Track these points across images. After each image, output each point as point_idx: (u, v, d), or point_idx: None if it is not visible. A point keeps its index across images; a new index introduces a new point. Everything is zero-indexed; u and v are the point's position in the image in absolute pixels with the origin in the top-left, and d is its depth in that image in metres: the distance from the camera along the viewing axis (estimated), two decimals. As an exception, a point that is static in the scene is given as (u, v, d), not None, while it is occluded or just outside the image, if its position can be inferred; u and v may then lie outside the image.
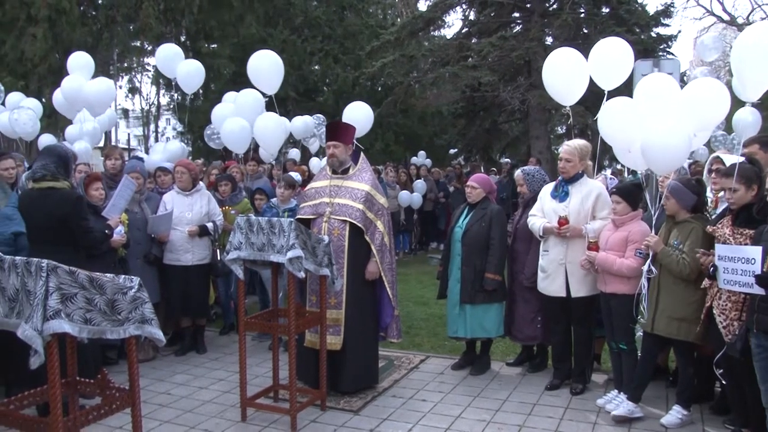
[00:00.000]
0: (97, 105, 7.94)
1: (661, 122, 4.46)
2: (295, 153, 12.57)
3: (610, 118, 4.81)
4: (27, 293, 2.91)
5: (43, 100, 10.50)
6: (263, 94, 7.30)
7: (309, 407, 4.90)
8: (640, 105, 4.68)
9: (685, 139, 4.45)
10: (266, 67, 6.91)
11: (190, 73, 8.26)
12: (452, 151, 23.34)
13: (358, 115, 6.76)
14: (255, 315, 5.16)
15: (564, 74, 5.47)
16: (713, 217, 4.64)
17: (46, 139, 8.98)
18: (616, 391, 4.98)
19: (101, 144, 13.45)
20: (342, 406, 5.04)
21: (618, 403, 4.81)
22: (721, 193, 4.67)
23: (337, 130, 5.46)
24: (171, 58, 8.35)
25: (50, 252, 3.94)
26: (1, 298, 3.03)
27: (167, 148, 8.65)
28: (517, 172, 6.16)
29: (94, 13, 18.71)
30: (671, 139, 4.42)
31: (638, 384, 4.76)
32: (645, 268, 4.64)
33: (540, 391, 5.36)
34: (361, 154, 5.61)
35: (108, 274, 3.17)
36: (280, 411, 4.80)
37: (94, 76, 8.28)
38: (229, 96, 8.77)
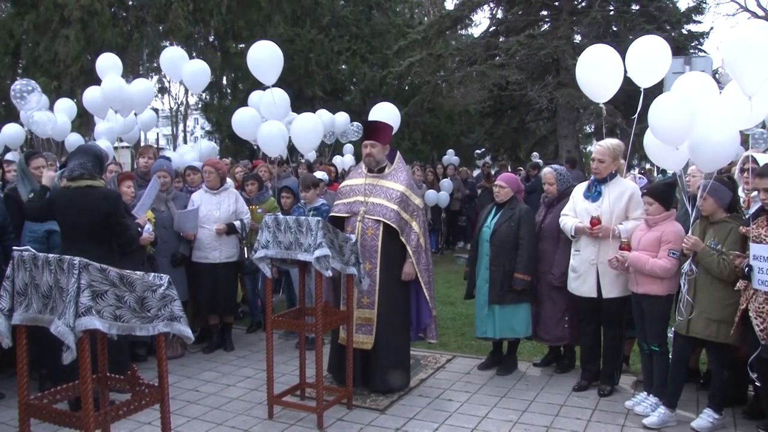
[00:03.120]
0: (137, 105, 8.12)
1: (711, 119, 4.41)
2: (311, 154, 12.61)
3: (663, 115, 4.68)
4: (60, 290, 2.96)
5: (75, 100, 10.67)
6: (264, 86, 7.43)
7: (336, 405, 4.91)
8: (693, 101, 4.59)
9: (735, 136, 4.40)
10: (266, 57, 7.00)
11: (195, 72, 8.31)
12: (477, 151, 23.24)
13: (386, 115, 6.80)
14: (282, 313, 5.18)
15: (598, 71, 5.39)
16: (746, 217, 4.55)
17: (74, 139, 9.13)
18: (646, 393, 4.92)
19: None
20: (368, 405, 5.04)
21: (648, 407, 4.76)
22: (754, 193, 4.57)
23: (375, 130, 5.43)
24: (175, 61, 8.41)
25: (86, 250, 4.02)
26: (35, 295, 3.08)
27: (179, 152, 8.87)
28: (548, 170, 5.99)
29: (124, 14, 19.00)
30: (722, 135, 4.37)
31: (673, 390, 4.66)
32: (685, 268, 4.56)
33: (567, 392, 5.31)
34: (398, 153, 5.58)
35: (138, 272, 3.21)
36: (306, 409, 4.82)
37: (124, 76, 8.43)
38: (255, 95, 8.84)
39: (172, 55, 8.47)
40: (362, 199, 5.29)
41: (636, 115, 5.05)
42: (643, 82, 5.19)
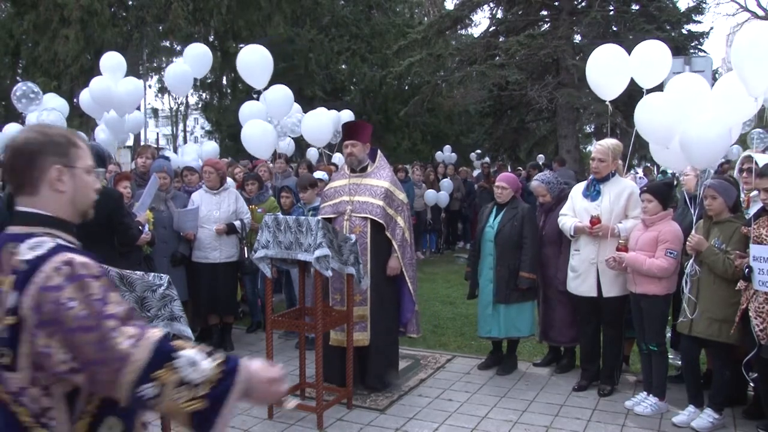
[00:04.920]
0: (126, 104, 8.07)
1: (700, 115, 4.42)
2: (314, 152, 12.58)
3: (648, 114, 4.73)
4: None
5: (75, 100, 10.68)
6: (254, 90, 7.41)
7: (335, 405, 4.91)
8: (677, 100, 4.62)
9: (725, 132, 4.39)
10: (256, 61, 6.98)
11: (177, 76, 8.26)
12: (474, 153, 23.26)
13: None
14: (282, 313, 5.18)
15: (607, 69, 5.43)
16: (747, 218, 4.54)
17: None
18: (645, 393, 4.92)
19: (130, 143, 13.67)
20: (368, 405, 5.04)
21: (648, 407, 4.78)
22: (754, 193, 4.58)
23: (354, 129, 5.50)
24: (200, 58, 8.39)
25: (87, 249, 4.01)
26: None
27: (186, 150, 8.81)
28: (534, 184, 5.91)
29: (124, 14, 19.03)
30: (711, 132, 4.37)
31: (693, 393, 4.68)
32: (688, 269, 4.56)
33: (567, 392, 5.31)
34: (378, 151, 5.64)
35: (138, 272, 3.21)
36: (306, 409, 4.82)
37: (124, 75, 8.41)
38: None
39: (197, 52, 8.39)
40: (347, 198, 5.33)
41: (611, 111, 5.09)
42: (646, 83, 5.24)
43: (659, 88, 5.39)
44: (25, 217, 1.65)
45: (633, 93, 5.50)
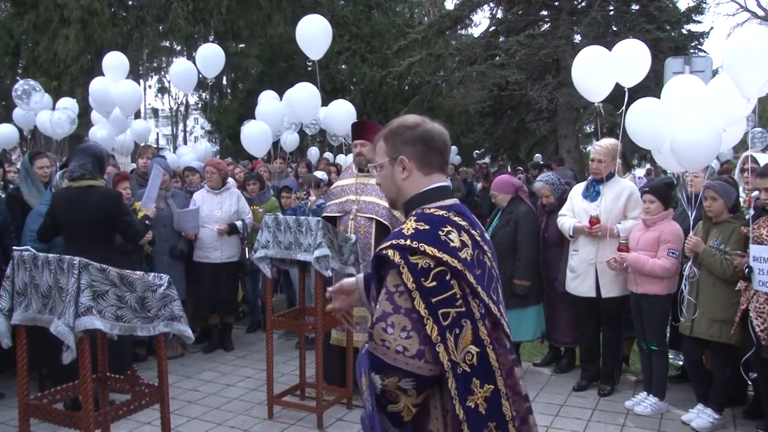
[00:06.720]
0: (124, 106, 8.09)
1: (688, 119, 4.43)
2: (314, 152, 12.58)
3: (638, 119, 4.76)
4: (59, 290, 2.96)
5: (75, 100, 10.66)
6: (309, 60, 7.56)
7: (335, 405, 4.91)
8: (666, 104, 4.65)
9: (714, 134, 4.39)
10: (315, 32, 7.14)
11: (209, 57, 8.30)
12: (476, 152, 23.21)
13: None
14: (282, 313, 5.18)
15: (591, 71, 5.44)
16: (747, 217, 4.55)
17: (99, 136, 9.17)
18: (645, 392, 4.93)
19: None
20: (368, 405, 5.03)
21: (648, 407, 4.78)
22: (755, 193, 4.58)
23: (364, 129, 5.45)
24: (212, 59, 8.40)
25: (87, 249, 4.01)
26: (34, 295, 3.08)
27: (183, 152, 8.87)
28: (538, 185, 5.88)
29: (124, 14, 19.00)
30: (700, 134, 4.38)
31: (700, 392, 4.68)
32: (687, 271, 4.56)
33: (567, 392, 5.31)
34: None
35: (138, 272, 3.21)
36: (306, 409, 4.82)
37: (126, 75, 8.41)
38: (265, 95, 8.86)
39: (207, 54, 8.40)
40: (354, 198, 5.31)
41: (621, 112, 5.09)
42: (627, 82, 5.27)
43: (659, 87, 5.39)
44: (449, 191, 2.14)
45: (631, 93, 5.49)
